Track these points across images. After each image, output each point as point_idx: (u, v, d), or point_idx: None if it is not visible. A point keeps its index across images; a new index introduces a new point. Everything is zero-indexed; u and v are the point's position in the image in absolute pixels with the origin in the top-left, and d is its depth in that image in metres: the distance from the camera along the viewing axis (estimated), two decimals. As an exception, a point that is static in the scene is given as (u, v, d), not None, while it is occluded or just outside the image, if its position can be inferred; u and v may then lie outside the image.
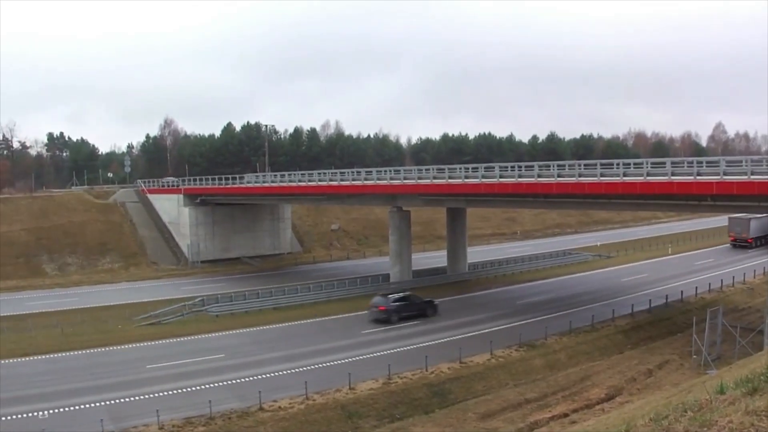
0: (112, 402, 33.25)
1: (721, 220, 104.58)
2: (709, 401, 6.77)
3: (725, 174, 38.20)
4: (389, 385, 36.50)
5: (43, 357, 42.00)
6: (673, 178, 40.35)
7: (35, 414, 31.50)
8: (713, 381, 11.02)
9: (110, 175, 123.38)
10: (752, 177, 36.80)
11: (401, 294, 51.98)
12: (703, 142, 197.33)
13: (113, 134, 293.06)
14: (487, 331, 46.74)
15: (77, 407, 32.56)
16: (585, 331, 47.09)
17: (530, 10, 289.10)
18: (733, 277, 63.49)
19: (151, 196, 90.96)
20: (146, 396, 34.22)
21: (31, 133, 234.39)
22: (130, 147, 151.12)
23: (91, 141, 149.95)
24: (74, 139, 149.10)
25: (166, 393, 34.64)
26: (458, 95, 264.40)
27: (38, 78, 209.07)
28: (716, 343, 41.74)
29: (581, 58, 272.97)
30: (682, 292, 56.97)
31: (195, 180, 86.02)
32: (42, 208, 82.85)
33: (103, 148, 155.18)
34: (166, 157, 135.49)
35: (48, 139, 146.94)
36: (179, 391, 35.04)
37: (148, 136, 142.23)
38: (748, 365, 14.57)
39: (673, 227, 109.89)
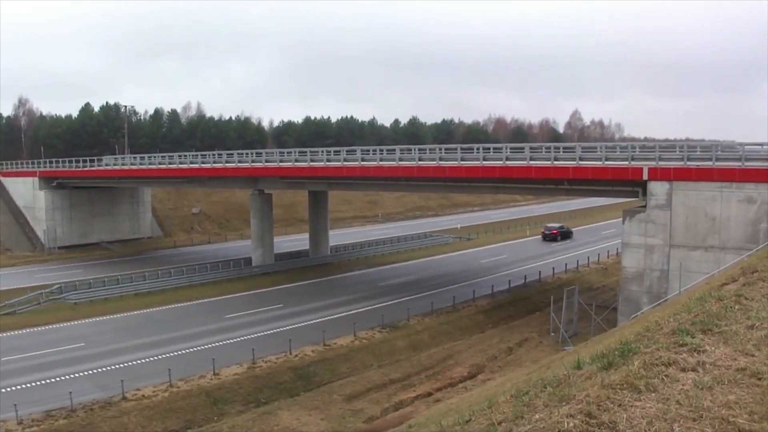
0: (-34, 397, 31.73)
1: (577, 203, 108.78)
2: (567, 376, 7.15)
3: (581, 159, 40.29)
4: (254, 369, 36.51)
5: None
6: (531, 162, 42.05)
7: None
8: (570, 357, 11.52)
9: None
10: (606, 162, 39.10)
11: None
12: (561, 129, 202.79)
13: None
14: (350, 313, 47.37)
15: (-74, 403, 30.91)
16: (447, 312, 48.31)
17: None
18: (588, 257, 66.33)
19: (4, 179, 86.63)
20: (3, 390, 32.81)
21: None
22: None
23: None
24: None
25: (24, 386, 33.45)
26: (320, 79, 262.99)
27: None
28: (573, 320, 43.73)
29: (443, 45, 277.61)
30: (540, 272, 59.33)
31: (51, 162, 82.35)
32: None
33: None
34: (21, 138, 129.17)
35: None
36: (38, 383, 33.84)
37: (0, 116, 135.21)
38: (603, 341, 15.28)
39: (532, 210, 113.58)
